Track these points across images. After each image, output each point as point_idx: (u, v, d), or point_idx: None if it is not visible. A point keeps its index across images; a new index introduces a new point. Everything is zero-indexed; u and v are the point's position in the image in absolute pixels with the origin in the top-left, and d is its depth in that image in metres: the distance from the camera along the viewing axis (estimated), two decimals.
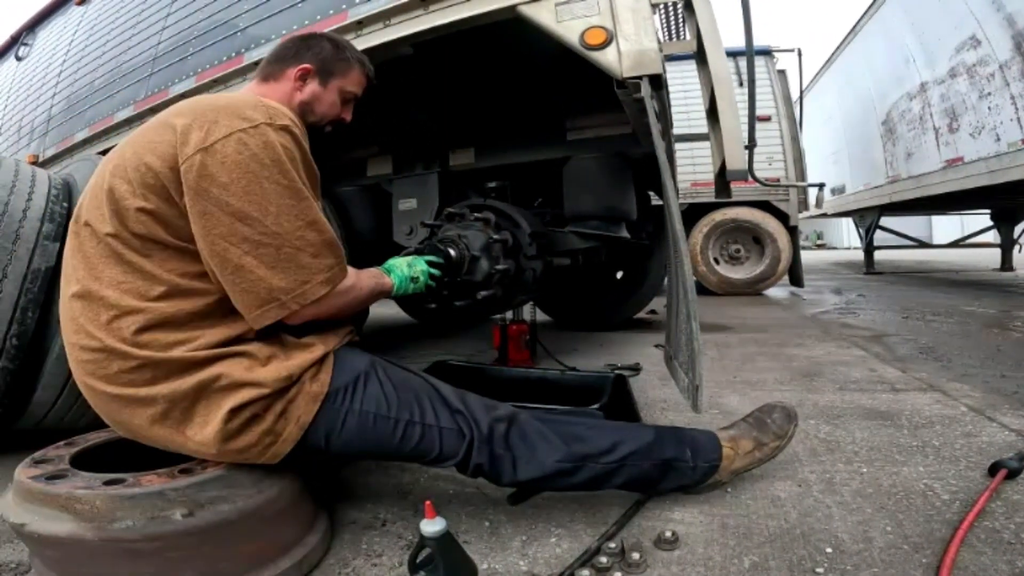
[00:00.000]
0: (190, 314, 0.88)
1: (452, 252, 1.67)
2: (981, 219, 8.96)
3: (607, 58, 1.46)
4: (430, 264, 1.34)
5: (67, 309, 0.91)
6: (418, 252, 1.49)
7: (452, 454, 0.98)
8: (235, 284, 0.87)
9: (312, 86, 1.13)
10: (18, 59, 4.01)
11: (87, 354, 0.87)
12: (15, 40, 4.12)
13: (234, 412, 0.85)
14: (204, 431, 0.85)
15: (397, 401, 0.98)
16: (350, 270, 1.01)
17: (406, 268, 1.25)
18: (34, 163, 3.22)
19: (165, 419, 0.87)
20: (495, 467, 1.00)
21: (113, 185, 0.87)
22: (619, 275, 3.79)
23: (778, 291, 6.13)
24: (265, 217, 0.86)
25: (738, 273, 5.80)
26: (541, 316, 3.65)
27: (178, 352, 0.85)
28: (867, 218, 8.33)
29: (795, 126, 5.91)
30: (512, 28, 1.59)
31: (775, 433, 1.20)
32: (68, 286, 0.91)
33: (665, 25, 5.68)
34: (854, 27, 7.27)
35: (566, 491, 1.13)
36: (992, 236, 8.79)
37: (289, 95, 1.11)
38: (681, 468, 1.09)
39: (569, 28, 1.50)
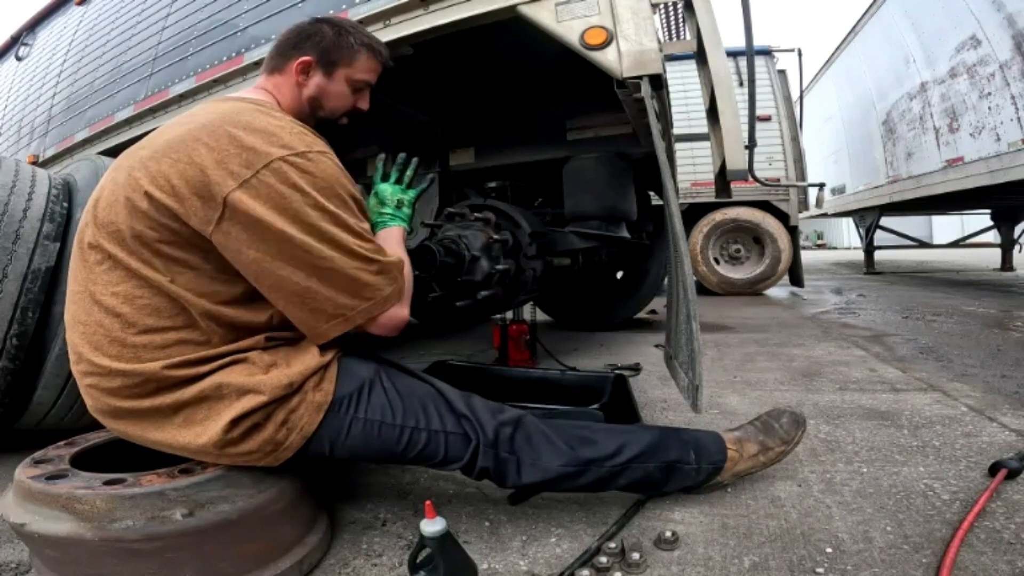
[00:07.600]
0: (203, 334, 0.88)
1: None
2: (981, 219, 8.95)
3: (607, 58, 1.46)
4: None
5: (75, 320, 0.89)
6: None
7: (457, 458, 0.98)
8: (302, 306, 0.90)
9: (316, 79, 1.06)
10: (18, 59, 4.01)
11: (91, 367, 0.87)
12: (15, 40, 4.11)
13: (235, 423, 0.85)
14: (203, 438, 0.85)
15: (402, 409, 0.97)
16: (390, 253, 0.99)
17: (379, 207, 1.16)
18: (34, 163, 3.22)
19: (166, 426, 0.87)
20: (500, 471, 1.00)
21: (132, 198, 0.84)
22: (619, 275, 3.79)
23: (778, 291, 6.13)
24: (321, 241, 0.87)
25: (738, 273, 5.80)
26: (541, 316, 3.65)
27: (183, 368, 0.85)
28: (867, 218, 8.34)
29: (795, 126, 5.91)
30: (512, 28, 1.59)
31: (781, 438, 1.19)
32: (76, 297, 0.90)
33: (665, 25, 5.68)
34: (854, 27, 7.27)
35: (569, 492, 1.13)
36: (992, 236, 8.79)
37: (294, 90, 1.07)
38: (684, 470, 1.09)
39: (569, 28, 1.50)
